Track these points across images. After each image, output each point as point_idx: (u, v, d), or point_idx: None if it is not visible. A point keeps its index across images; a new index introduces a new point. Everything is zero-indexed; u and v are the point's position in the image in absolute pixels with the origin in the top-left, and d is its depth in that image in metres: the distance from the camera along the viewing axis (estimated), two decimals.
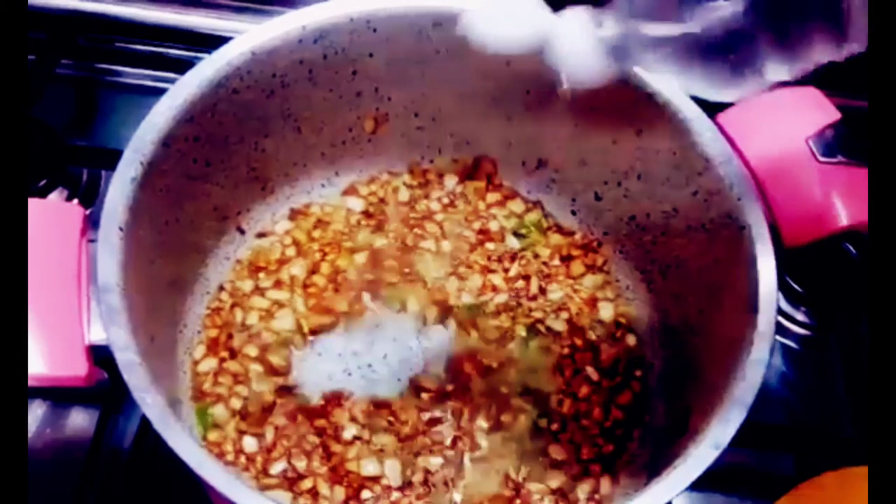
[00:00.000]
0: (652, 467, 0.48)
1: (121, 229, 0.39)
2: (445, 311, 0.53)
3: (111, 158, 0.42)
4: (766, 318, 0.41)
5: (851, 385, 0.57)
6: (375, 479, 0.46)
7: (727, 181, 0.45)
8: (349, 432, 0.48)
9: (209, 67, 0.45)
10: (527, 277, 0.54)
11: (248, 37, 0.46)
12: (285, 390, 0.49)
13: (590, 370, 0.51)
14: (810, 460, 0.56)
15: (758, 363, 0.40)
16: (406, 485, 0.46)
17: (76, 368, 0.36)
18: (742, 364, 0.40)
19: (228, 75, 0.45)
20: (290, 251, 0.54)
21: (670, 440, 0.47)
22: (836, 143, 0.44)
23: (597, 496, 0.48)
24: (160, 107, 0.43)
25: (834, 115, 0.45)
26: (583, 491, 0.47)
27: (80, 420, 0.50)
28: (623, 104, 0.48)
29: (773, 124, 0.45)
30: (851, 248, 0.61)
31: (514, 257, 0.55)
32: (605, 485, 0.48)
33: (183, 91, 0.44)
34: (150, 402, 0.35)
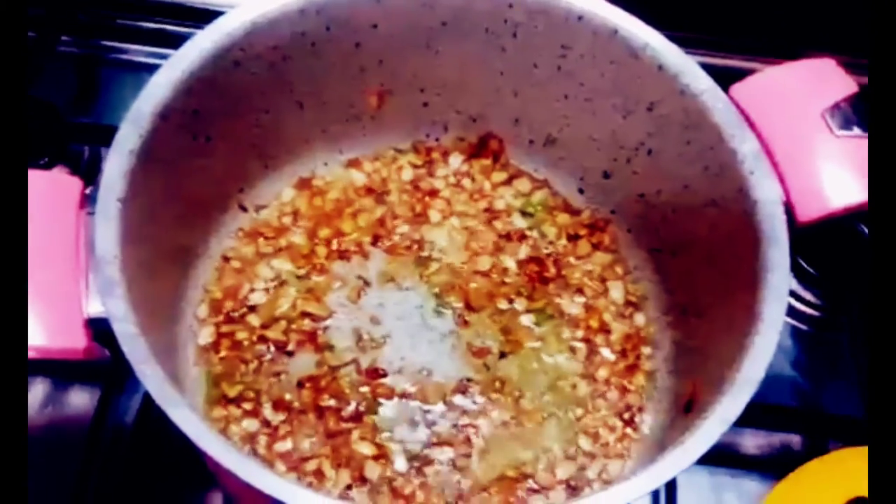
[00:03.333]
0: (661, 446, 0.47)
1: (119, 201, 0.38)
2: (455, 294, 0.52)
3: (112, 135, 0.41)
4: (776, 296, 0.40)
5: (860, 369, 0.56)
6: (378, 462, 0.46)
7: (740, 155, 0.44)
8: (348, 411, 0.47)
9: (208, 39, 0.44)
10: (537, 259, 0.53)
11: (249, 7, 0.45)
12: (289, 364, 0.48)
13: (606, 352, 0.50)
14: (820, 441, 0.56)
15: (768, 342, 0.39)
16: (411, 470, 0.46)
17: (74, 340, 0.35)
18: (752, 342, 0.39)
19: (228, 47, 0.44)
20: (288, 219, 0.53)
21: (679, 419, 0.46)
22: (852, 116, 0.43)
23: (604, 476, 0.47)
24: (158, 78, 0.42)
25: (851, 87, 0.44)
26: (593, 472, 0.47)
27: (81, 398, 0.50)
28: (634, 78, 0.47)
29: (788, 97, 0.44)
30: (864, 228, 0.60)
31: (521, 237, 0.54)
32: (615, 465, 0.47)
33: (181, 63, 0.43)
34: (149, 373, 0.35)
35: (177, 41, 0.63)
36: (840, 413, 0.56)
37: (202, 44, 0.43)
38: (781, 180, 0.43)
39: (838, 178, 0.43)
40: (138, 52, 0.65)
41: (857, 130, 0.42)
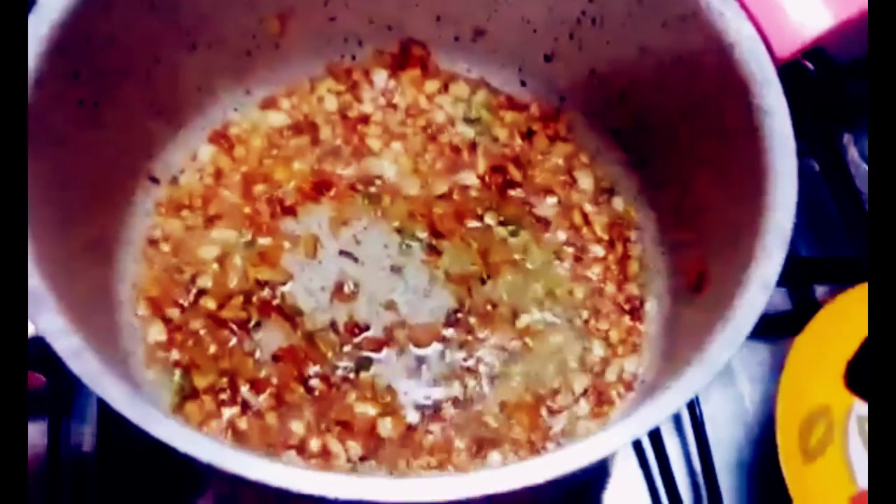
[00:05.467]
0: (674, 332, 0.44)
1: None
2: (418, 224, 0.47)
3: None
4: (782, 142, 0.37)
5: (843, 204, 0.54)
6: (387, 418, 0.41)
7: (702, 0, 0.40)
8: (338, 375, 0.42)
9: None
10: (497, 167, 0.48)
11: None
12: (258, 341, 0.43)
13: (594, 247, 0.46)
14: (804, 287, 0.55)
15: (788, 192, 0.35)
16: (425, 418, 0.41)
17: None
18: (772, 198, 0.35)
19: None
20: (211, 181, 0.46)
21: (688, 298, 0.43)
22: None
23: (623, 375, 0.44)
24: None
25: None
26: (612, 374, 0.44)
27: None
28: None
29: None
30: (809, 64, 0.58)
31: (472, 146, 0.49)
32: (632, 362, 0.44)
33: (45, 16, 0.35)
34: (112, 390, 0.28)
35: None
36: (825, 256, 0.55)
37: None
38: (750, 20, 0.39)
39: (807, 5, 0.40)
40: None
41: None
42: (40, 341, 0.30)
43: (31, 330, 0.29)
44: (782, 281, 0.53)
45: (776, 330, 0.50)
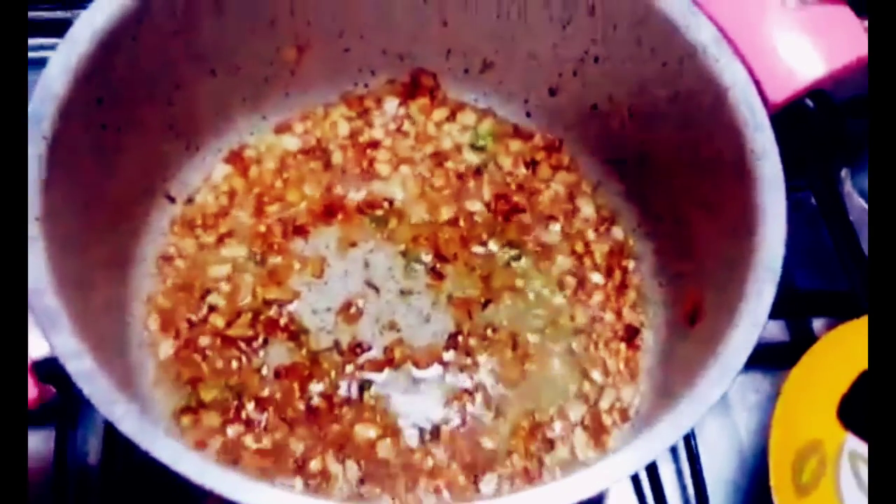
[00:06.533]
0: (668, 364, 0.45)
1: (37, 220, 0.33)
2: (423, 247, 0.48)
3: None
4: (773, 184, 0.38)
5: (839, 240, 0.55)
6: (386, 440, 0.42)
7: (699, 45, 0.41)
8: (340, 396, 0.44)
9: (99, 13, 0.38)
10: (501, 195, 0.50)
11: None
12: (264, 359, 0.44)
13: (594, 275, 0.47)
14: (802, 321, 0.55)
15: (777, 231, 0.37)
16: (423, 441, 0.43)
17: None
18: (762, 237, 0.37)
19: (124, 19, 0.38)
20: (225, 200, 0.48)
21: (683, 331, 0.44)
22: None
23: (618, 405, 0.45)
24: (52, 69, 0.36)
25: None
26: (606, 402, 0.45)
27: (33, 444, 0.44)
28: None
29: None
30: (810, 102, 0.59)
31: (477, 173, 0.50)
32: (628, 392, 0.45)
33: (74, 47, 0.37)
34: (121, 414, 0.30)
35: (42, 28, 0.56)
36: (821, 290, 0.55)
37: (95, 20, 0.37)
38: (745, 65, 0.40)
39: (801, 52, 0.41)
40: None
41: None
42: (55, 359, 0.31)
43: (45, 349, 0.31)
44: (780, 313, 0.54)
45: (773, 360, 0.51)
